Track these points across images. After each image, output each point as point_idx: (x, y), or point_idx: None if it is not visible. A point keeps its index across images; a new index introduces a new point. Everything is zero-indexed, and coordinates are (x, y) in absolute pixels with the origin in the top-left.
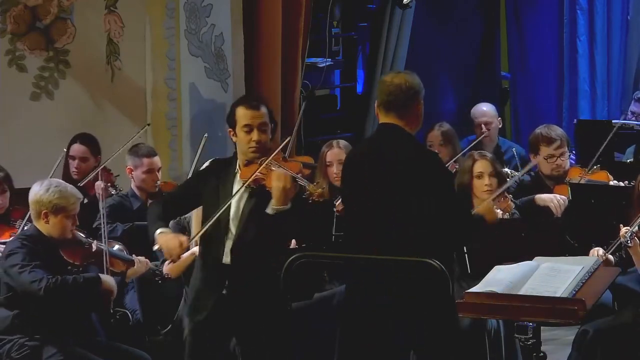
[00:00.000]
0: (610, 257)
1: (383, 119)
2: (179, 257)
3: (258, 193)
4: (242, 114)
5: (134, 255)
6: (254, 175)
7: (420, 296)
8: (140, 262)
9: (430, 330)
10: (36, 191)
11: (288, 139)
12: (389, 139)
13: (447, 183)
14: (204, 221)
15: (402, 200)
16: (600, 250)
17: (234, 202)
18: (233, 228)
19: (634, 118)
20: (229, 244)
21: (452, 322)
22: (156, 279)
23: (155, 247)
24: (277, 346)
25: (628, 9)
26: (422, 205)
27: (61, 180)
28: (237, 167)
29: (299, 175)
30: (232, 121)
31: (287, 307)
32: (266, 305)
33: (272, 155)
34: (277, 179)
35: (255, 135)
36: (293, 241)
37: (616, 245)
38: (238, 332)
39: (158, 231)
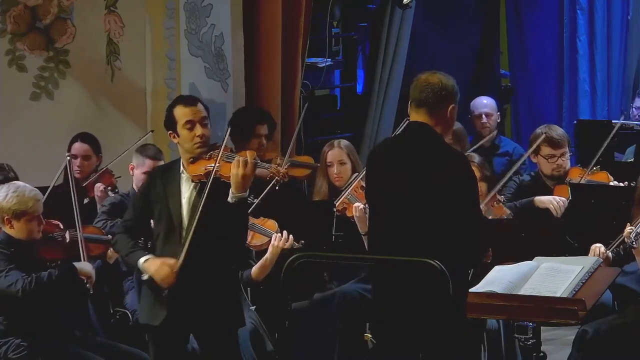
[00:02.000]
0: (610, 254)
1: (413, 116)
2: (174, 282)
3: (205, 188)
4: (182, 112)
5: (109, 235)
6: (214, 168)
7: (425, 297)
8: None
9: (435, 331)
10: None
11: (227, 129)
12: (417, 136)
13: (472, 187)
14: (156, 225)
15: (424, 200)
16: (603, 248)
17: (184, 201)
18: (185, 226)
19: (639, 114)
20: (183, 245)
21: (457, 323)
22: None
23: (145, 277)
24: (236, 344)
25: (628, 9)
26: (444, 207)
27: (21, 183)
28: (182, 167)
29: (258, 161)
30: (171, 123)
31: (287, 307)
32: (223, 303)
33: (222, 146)
34: (236, 167)
35: (198, 130)
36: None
37: (618, 243)
38: (196, 331)
39: (142, 259)
